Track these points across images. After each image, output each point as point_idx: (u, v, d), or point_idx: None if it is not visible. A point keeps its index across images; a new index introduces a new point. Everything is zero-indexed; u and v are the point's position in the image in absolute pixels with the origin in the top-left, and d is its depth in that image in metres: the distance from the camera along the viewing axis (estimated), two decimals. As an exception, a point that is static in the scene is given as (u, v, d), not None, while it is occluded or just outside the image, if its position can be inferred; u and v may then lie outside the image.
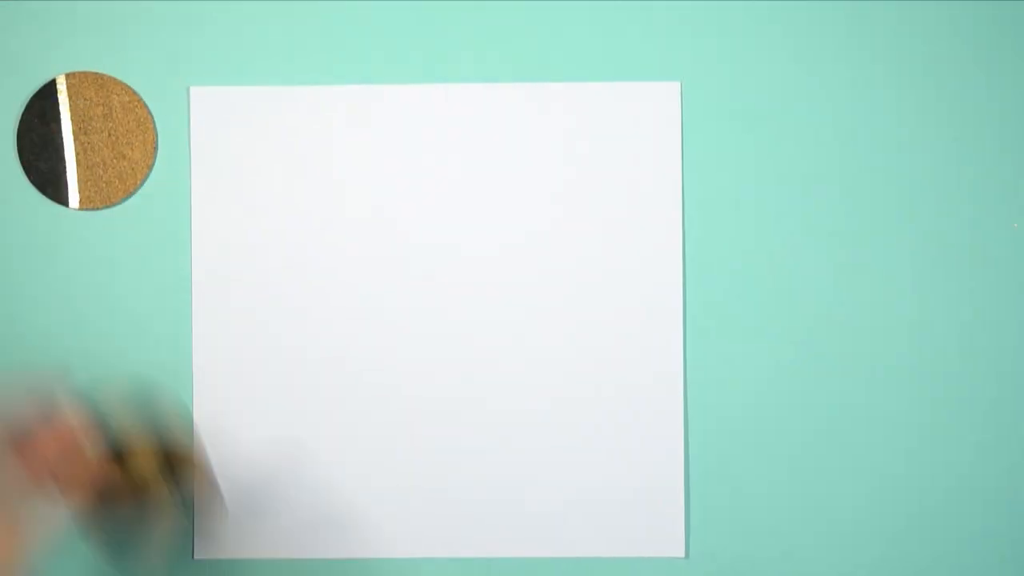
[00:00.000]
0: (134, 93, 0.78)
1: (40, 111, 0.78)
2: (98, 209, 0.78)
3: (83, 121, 0.78)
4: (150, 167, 0.78)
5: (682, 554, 0.77)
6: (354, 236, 0.78)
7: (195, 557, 0.78)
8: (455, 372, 0.78)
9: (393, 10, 0.78)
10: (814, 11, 0.78)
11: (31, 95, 0.78)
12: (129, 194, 0.78)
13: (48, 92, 0.78)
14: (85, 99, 0.78)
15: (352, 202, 0.78)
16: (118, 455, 0.67)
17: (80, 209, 0.78)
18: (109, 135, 0.78)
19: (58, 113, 0.78)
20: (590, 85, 0.78)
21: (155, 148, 0.78)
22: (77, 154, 0.78)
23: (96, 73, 0.78)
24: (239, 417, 0.78)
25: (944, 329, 0.77)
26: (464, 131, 0.78)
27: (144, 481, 0.67)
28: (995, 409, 0.77)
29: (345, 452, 0.78)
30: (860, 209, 0.77)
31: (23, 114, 0.78)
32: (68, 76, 0.78)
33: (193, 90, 0.78)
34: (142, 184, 0.78)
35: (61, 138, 0.78)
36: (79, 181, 0.78)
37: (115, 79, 0.78)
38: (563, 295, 0.78)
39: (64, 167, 0.78)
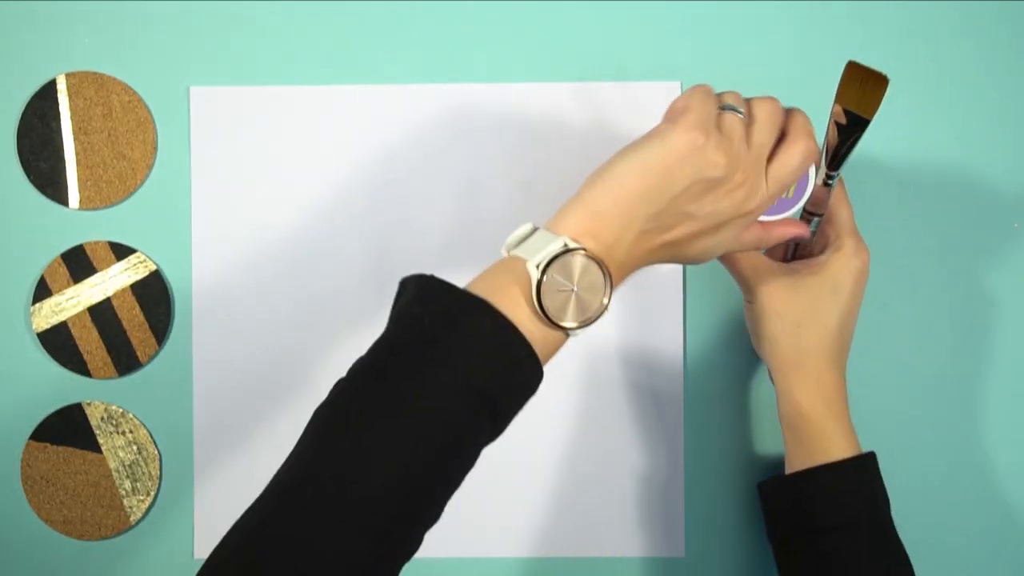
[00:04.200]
0: (134, 93, 0.78)
1: (40, 111, 0.78)
2: (98, 209, 0.78)
3: (83, 121, 0.78)
4: (150, 167, 0.78)
5: (682, 554, 0.77)
6: (355, 236, 0.78)
7: (195, 557, 0.78)
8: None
9: (393, 10, 0.78)
10: (814, 11, 0.78)
11: (31, 95, 0.78)
12: (129, 194, 0.78)
13: (48, 92, 0.78)
14: (85, 99, 0.78)
15: (353, 202, 0.78)
16: None
17: (80, 209, 0.78)
18: (109, 135, 0.78)
19: (58, 113, 0.78)
20: (590, 85, 0.78)
21: (155, 148, 0.78)
22: (77, 154, 0.78)
23: (96, 73, 0.78)
24: (239, 417, 0.78)
25: (944, 329, 0.77)
26: (463, 130, 0.78)
27: None
28: (995, 410, 0.77)
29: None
30: (859, 209, 0.77)
31: (23, 114, 0.78)
32: (68, 76, 0.78)
33: (193, 90, 0.78)
34: (142, 184, 0.78)
35: (61, 138, 0.78)
36: (79, 181, 0.78)
37: (115, 79, 0.78)
38: (563, 295, 0.77)
39: (64, 167, 0.78)
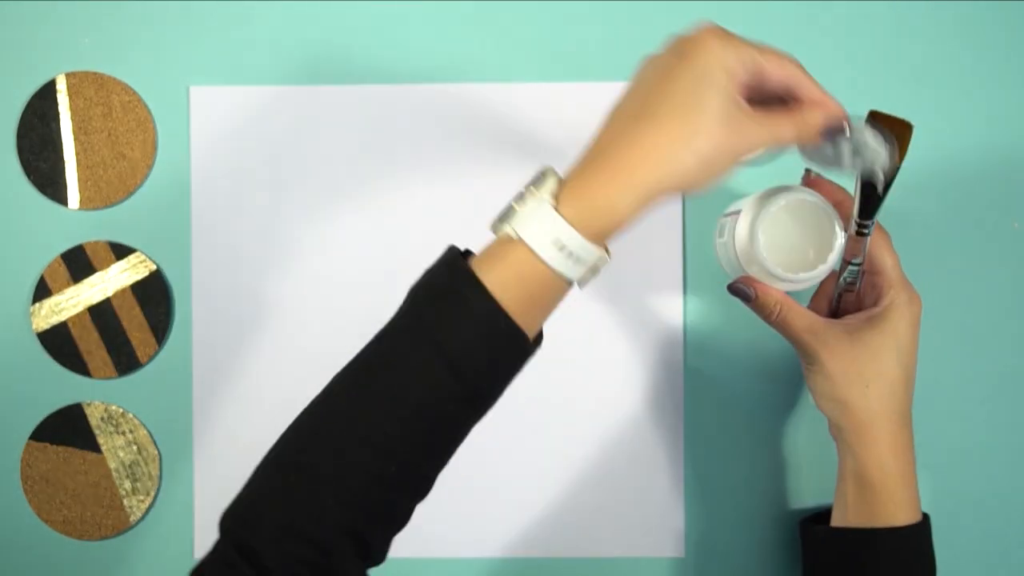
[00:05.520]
0: (134, 93, 0.78)
1: (40, 111, 0.78)
2: (98, 209, 0.78)
3: (83, 121, 0.78)
4: (150, 167, 0.78)
5: (682, 554, 0.77)
6: (354, 236, 0.78)
7: (195, 557, 0.78)
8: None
9: (393, 10, 0.78)
10: (813, 11, 0.78)
11: (31, 95, 0.78)
12: (129, 194, 0.78)
13: (48, 92, 0.78)
14: (85, 99, 0.78)
15: (352, 202, 0.78)
16: None
17: (80, 209, 0.78)
18: (109, 135, 0.78)
19: (58, 113, 0.78)
20: (590, 85, 0.78)
21: (155, 148, 0.78)
22: (77, 154, 0.78)
23: (96, 73, 0.78)
24: (239, 418, 0.78)
25: (944, 329, 0.77)
26: (463, 131, 0.78)
27: None
28: (994, 410, 0.77)
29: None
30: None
31: (23, 114, 0.78)
32: (68, 76, 0.78)
33: (193, 90, 0.78)
34: (142, 184, 0.78)
35: (61, 138, 0.78)
36: (79, 181, 0.78)
37: (115, 79, 0.78)
38: (563, 295, 0.77)
39: (64, 167, 0.78)
